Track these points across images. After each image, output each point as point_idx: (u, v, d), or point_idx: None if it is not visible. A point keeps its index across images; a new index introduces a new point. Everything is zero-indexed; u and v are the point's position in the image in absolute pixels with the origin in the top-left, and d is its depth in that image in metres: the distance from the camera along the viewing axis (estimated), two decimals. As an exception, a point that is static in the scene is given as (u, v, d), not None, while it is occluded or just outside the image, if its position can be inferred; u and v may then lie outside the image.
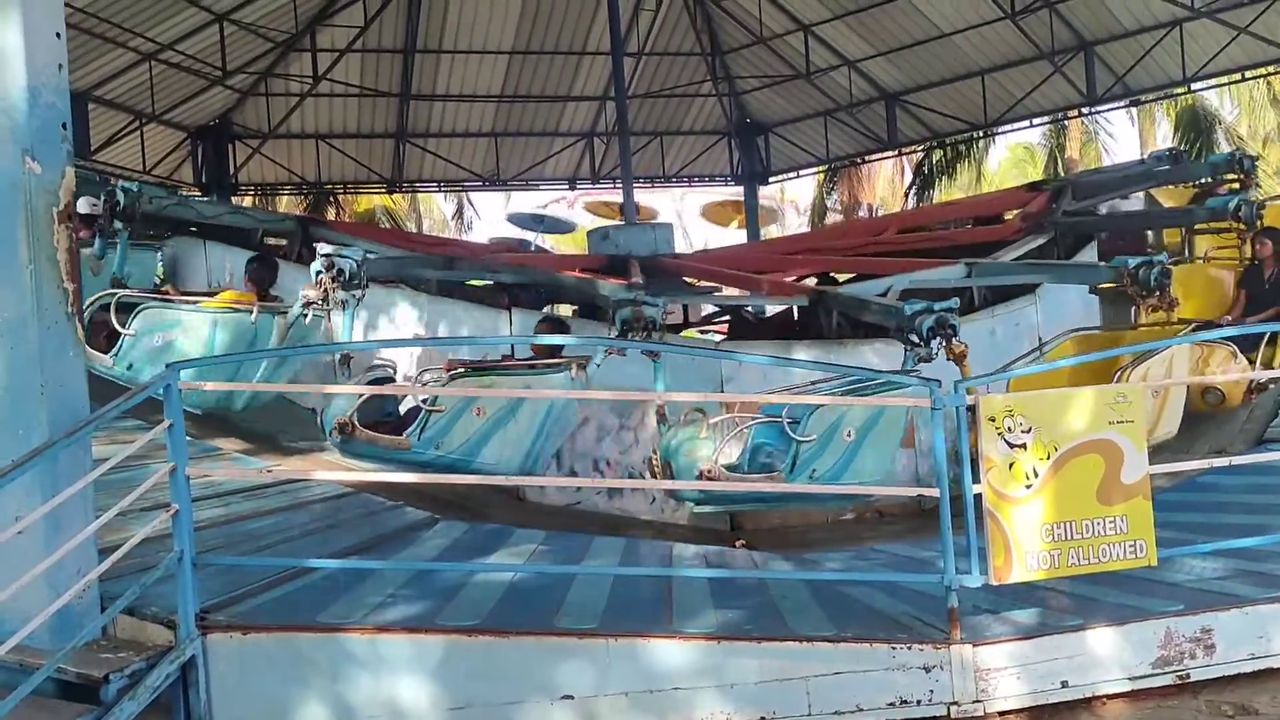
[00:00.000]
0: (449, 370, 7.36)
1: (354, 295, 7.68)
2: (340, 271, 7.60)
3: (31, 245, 4.41)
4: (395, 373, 8.50)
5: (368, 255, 8.08)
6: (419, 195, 29.92)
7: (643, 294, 8.03)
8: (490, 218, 34.08)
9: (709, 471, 6.37)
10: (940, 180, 26.63)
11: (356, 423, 7.21)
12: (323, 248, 7.95)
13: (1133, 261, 8.35)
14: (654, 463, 6.89)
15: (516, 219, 21.58)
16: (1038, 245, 11.08)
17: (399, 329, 10.06)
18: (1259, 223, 9.75)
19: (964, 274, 10.02)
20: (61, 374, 4.51)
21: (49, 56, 4.48)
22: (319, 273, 7.65)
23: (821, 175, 28.88)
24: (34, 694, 3.75)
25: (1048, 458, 4.52)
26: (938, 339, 7.16)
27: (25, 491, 4.19)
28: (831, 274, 12.41)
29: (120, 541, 4.47)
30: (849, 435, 6.46)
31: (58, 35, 4.55)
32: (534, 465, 7.32)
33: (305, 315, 8.00)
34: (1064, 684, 4.51)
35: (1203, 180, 11.79)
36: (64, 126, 4.57)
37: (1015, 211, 12.34)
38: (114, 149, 18.12)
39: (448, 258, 10.97)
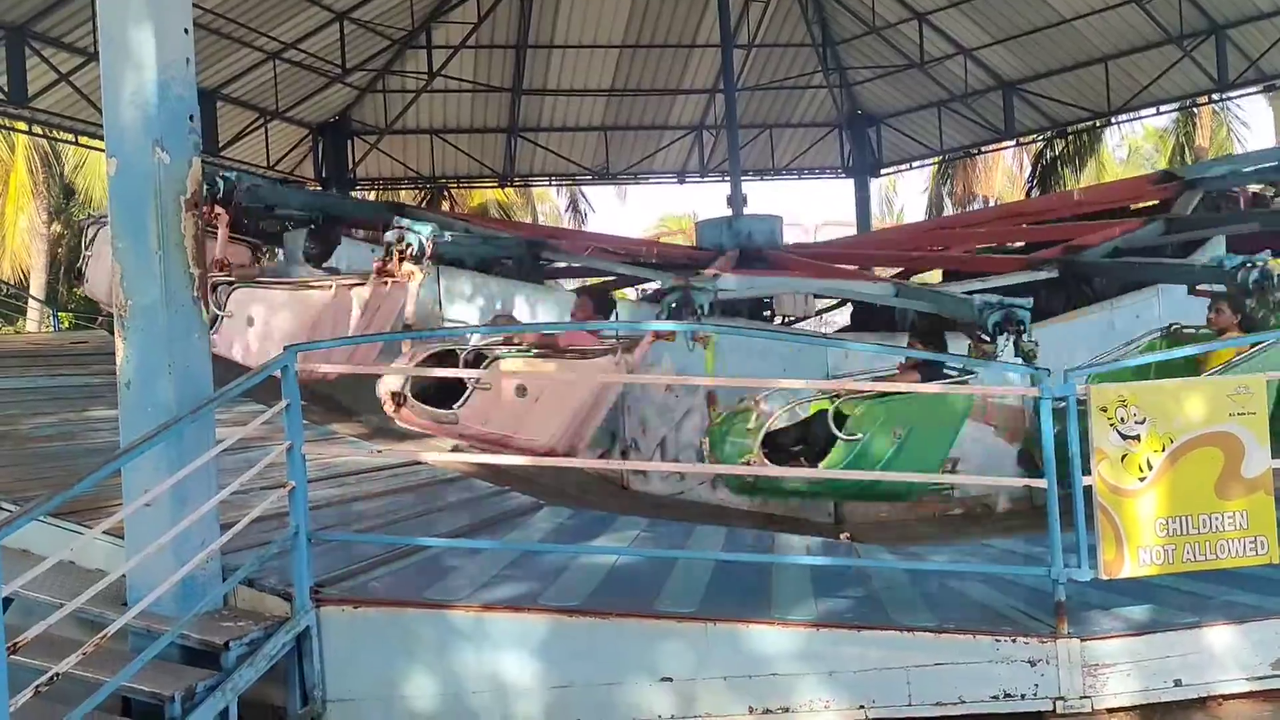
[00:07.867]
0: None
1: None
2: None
3: (160, 232, 4.62)
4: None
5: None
6: (531, 189, 30.38)
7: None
8: (604, 210, 34.81)
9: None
10: (1063, 170, 25.88)
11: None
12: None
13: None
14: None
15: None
16: (1151, 242, 10.71)
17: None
18: None
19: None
20: (188, 355, 4.69)
21: (177, 51, 4.67)
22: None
23: (936, 167, 28.38)
24: (159, 658, 3.95)
25: (1163, 449, 4.38)
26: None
27: (153, 466, 4.39)
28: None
29: (239, 517, 4.67)
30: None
31: (185, 31, 4.74)
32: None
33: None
34: (1177, 682, 4.36)
35: None
36: (191, 118, 4.76)
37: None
38: (240, 145, 18.84)
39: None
